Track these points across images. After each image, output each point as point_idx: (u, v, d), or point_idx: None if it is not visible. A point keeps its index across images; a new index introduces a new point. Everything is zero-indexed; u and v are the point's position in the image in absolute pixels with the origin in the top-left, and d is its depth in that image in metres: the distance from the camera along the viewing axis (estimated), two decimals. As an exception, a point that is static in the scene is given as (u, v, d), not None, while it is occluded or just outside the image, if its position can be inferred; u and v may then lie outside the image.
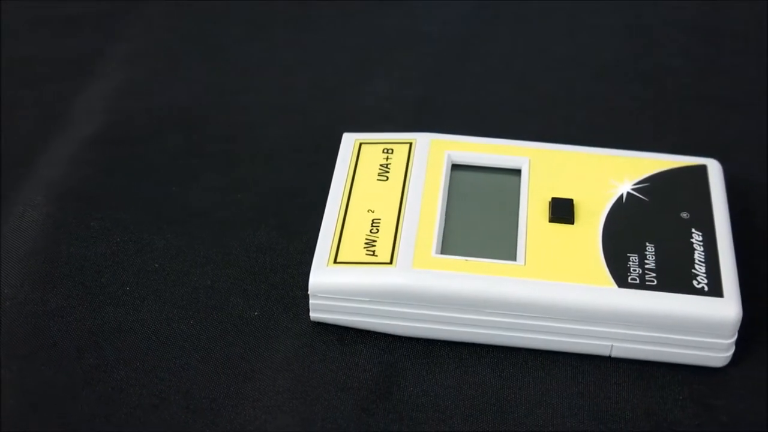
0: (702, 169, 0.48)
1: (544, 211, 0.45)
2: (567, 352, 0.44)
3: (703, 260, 0.44)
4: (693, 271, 0.43)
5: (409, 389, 0.43)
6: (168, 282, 0.46)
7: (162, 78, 0.57)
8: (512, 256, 0.44)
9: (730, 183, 0.48)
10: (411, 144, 0.48)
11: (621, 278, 0.43)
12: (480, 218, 0.46)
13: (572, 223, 0.45)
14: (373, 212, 0.45)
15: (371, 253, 0.44)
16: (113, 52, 0.58)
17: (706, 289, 0.43)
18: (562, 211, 0.45)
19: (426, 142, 0.48)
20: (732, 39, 0.60)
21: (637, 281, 0.43)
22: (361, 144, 0.49)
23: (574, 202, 0.46)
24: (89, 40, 0.59)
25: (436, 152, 0.48)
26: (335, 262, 0.44)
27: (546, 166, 0.47)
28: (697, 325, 0.42)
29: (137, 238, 0.48)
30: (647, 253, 0.44)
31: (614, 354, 0.44)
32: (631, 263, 0.44)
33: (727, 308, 0.42)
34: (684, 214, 0.46)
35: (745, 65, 0.58)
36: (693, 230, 0.45)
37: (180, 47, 0.59)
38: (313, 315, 0.44)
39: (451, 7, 0.62)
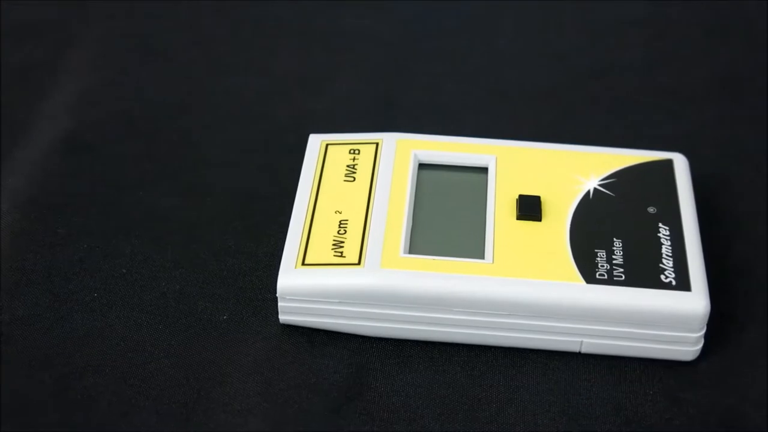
0: (668, 164, 0.48)
1: (512, 208, 0.45)
2: (537, 349, 0.44)
3: (670, 255, 0.44)
4: (660, 265, 0.44)
5: (379, 390, 0.43)
6: (136, 287, 0.46)
7: (122, 83, 0.56)
8: (480, 255, 0.44)
9: (696, 177, 0.48)
10: (377, 144, 0.48)
11: (589, 274, 0.43)
12: (447, 217, 0.46)
13: (539, 220, 0.45)
14: (340, 213, 0.45)
15: (339, 254, 0.44)
16: (72, 59, 0.58)
17: (673, 283, 0.43)
18: (529, 208, 0.45)
19: (392, 142, 0.48)
20: (693, 32, 0.60)
21: (605, 277, 0.43)
22: (327, 145, 0.49)
23: (542, 199, 0.46)
24: (48, 47, 0.58)
25: (402, 152, 0.48)
26: (303, 264, 0.44)
27: (513, 164, 0.47)
28: (665, 319, 0.43)
29: (104, 244, 0.48)
30: (615, 248, 0.44)
31: (584, 350, 0.44)
32: (598, 259, 0.44)
33: (695, 302, 0.43)
34: (651, 209, 0.46)
35: (707, 59, 0.59)
36: (660, 225, 0.45)
37: (139, 52, 0.58)
38: (282, 317, 0.44)
39: (412, 7, 0.61)
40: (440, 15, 0.61)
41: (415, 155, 0.48)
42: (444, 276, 0.43)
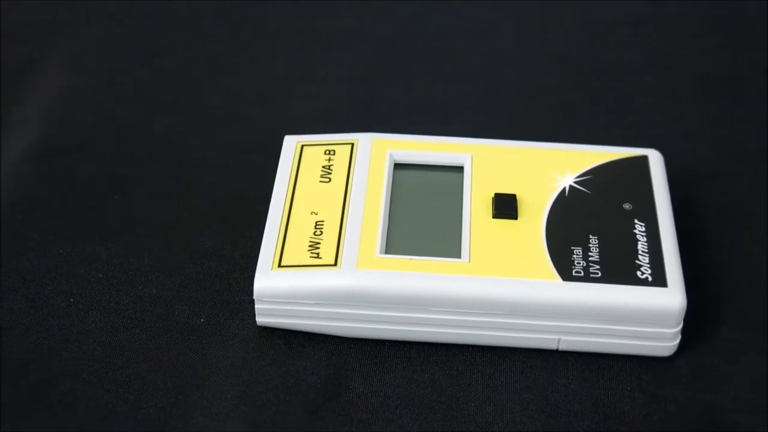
0: (643, 160, 0.48)
1: (488, 207, 0.45)
2: (515, 348, 0.44)
3: (646, 251, 0.44)
4: (637, 261, 0.44)
5: (357, 390, 0.43)
6: (113, 292, 0.46)
7: (97, 86, 0.56)
8: (457, 254, 0.44)
9: (671, 173, 0.48)
10: (353, 144, 0.48)
11: (565, 272, 0.43)
12: (424, 216, 0.46)
13: (516, 218, 0.45)
14: (316, 214, 0.45)
15: (315, 255, 0.44)
16: (46, 62, 0.57)
17: (650, 279, 0.43)
18: (505, 206, 0.45)
19: (368, 142, 0.48)
20: (662, 30, 0.60)
21: (582, 274, 0.43)
22: (302, 146, 0.48)
23: (517, 197, 0.46)
24: (21, 50, 0.58)
25: (378, 152, 0.48)
26: (280, 265, 0.44)
27: (488, 162, 0.47)
28: (642, 315, 0.43)
29: (80, 249, 0.47)
30: (591, 245, 0.44)
31: (562, 347, 0.44)
32: (575, 256, 0.44)
33: (671, 298, 0.43)
34: (626, 206, 0.46)
35: (678, 55, 0.59)
36: (636, 221, 0.45)
37: (113, 54, 0.58)
38: (260, 320, 0.44)
39: (384, 7, 0.61)
40: (413, 15, 0.61)
41: (391, 155, 0.48)
42: (420, 276, 0.43)
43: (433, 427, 0.42)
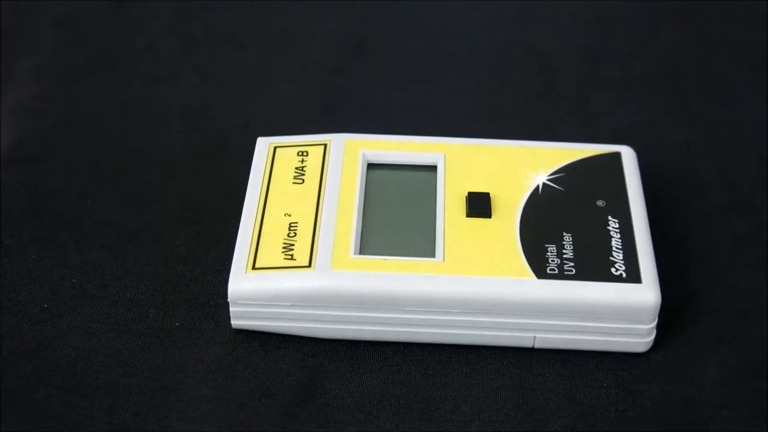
0: (616, 157, 0.48)
1: (461, 206, 0.45)
2: (491, 346, 0.44)
3: (620, 247, 0.44)
4: (611, 258, 0.44)
5: (334, 392, 0.43)
6: (86, 296, 0.46)
7: (65, 92, 0.56)
8: (431, 253, 0.44)
9: (644, 169, 0.48)
10: (326, 145, 0.48)
11: (540, 269, 0.43)
12: (397, 216, 0.46)
13: (489, 216, 0.45)
14: (290, 216, 0.45)
15: (289, 257, 0.44)
16: (12, 69, 0.57)
17: (624, 275, 0.43)
18: (478, 205, 0.45)
19: (341, 143, 0.48)
20: (643, 24, 0.61)
21: (556, 271, 0.43)
22: (275, 148, 0.48)
23: (491, 196, 0.46)
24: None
25: (351, 152, 0.48)
26: (254, 268, 0.43)
27: (461, 161, 0.47)
28: (617, 311, 0.43)
29: (53, 254, 0.47)
30: (565, 242, 0.44)
31: (537, 345, 0.44)
32: (549, 254, 0.44)
33: (645, 294, 0.43)
34: (600, 203, 0.46)
35: (654, 51, 0.59)
36: (609, 218, 0.45)
37: (80, 60, 0.58)
38: (235, 322, 0.44)
39: (353, 7, 0.61)
40: (380, 15, 0.61)
41: (364, 155, 0.48)
42: (395, 276, 0.43)
43: (410, 427, 0.42)
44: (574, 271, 0.43)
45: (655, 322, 0.43)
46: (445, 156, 0.48)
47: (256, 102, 0.55)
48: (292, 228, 0.45)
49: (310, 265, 0.43)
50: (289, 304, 0.43)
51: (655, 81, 0.57)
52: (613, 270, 0.43)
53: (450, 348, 0.44)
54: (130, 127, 0.54)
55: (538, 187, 0.46)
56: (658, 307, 0.43)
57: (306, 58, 0.58)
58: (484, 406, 0.42)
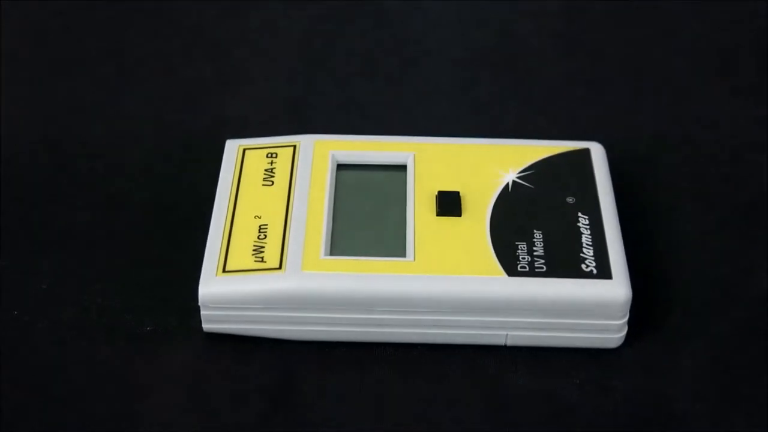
0: (585, 153, 0.48)
1: (431, 205, 0.45)
2: (463, 345, 0.44)
3: (590, 244, 0.44)
4: (581, 255, 0.44)
5: (307, 393, 0.43)
6: (57, 303, 0.45)
7: (29, 95, 0.55)
8: (401, 253, 0.44)
9: (613, 165, 0.48)
10: (295, 147, 0.48)
11: (510, 267, 0.43)
12: (368, 217, 0.46)
13: (459, 215, 0.45)
14: (260, 218, 0.45)
15: (260, 259, 0.44)
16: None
17: (594, 272, 0.43)
18: (448, 204, 0.45)
19: (310, 144, 0.48)
20: (607, 19, 0.61)
21: (527, 269, 0.43)
22: (244, 150, 0.48)
23: (461, 195, 0.46)
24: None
25: (320, 153, 0.48)
26: (224, 271, 0.43)
27: (431, 160, 0.47)
28: (588, 308, 0.43)
29: (22, 261, 0.47)
30: (535, 240, 0.44)
31: (509, 342, 0.44)
32: (519, 251, 0.44)
33: (616, 290, 0.43)
34: (570, 199, 0.46)
35: (622, 46, 0.59)
36: (579, 214, 0.45)
37: (44, 62, 0.57)
38: (206, 326, 0.44)
39: (322, 6, 0.61)
40: (347, 14, 0.61)
41: (333, 156, 0.48)
42: (366, 276, 0.43)
43: (383, 427, 0.42)
44: (544, 268, 0.43)
45: (627, 318, 0.43)
46: (414, 155, 0.47)
47: (225, 104, 0.55)
48: (262, 230, 0.45)
49: (280, 267, 0.43)
50: (260, 306, 0.43)
51: (623, 77, 0.57)
52: (583, 266, 0.43)
53: (422, 347, 0.44)
54: (97, 130, 0.53)
55: (507, 184, 0.46)
56: (629, 303, 0.43)
57: (274, 59, 0.58)
58: (458, 405, 0.42)
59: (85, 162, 0.52)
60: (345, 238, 0.44)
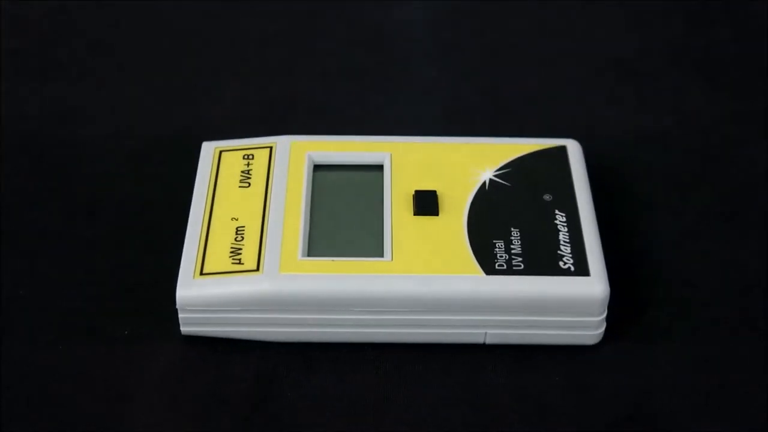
0: (562, 150, 0.48)
1: (409, 204, 0.45)
2: (442, 344, 0.44)
3: (567, 241, 0.44)
4: (559, 252, 0.44)
5: (287, 395, 0.43)
6: (34, 308, 0.45)
7: (1, 97, 0.55)
8: (379, 253, 0.44)
9: (590, 162, 0.49)
10: (271, 148, 0.48)
11: (488, 266, 0.43)
12: (345, 217, 0.45)
13: (437, 214, 0.45)
14: (237, 220, 0.45)
15: (237, 261, 0.43)
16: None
17: (572, 269, 0.43)
18: (425, 203, 0.45)
19: (286, 145, 0.48)
20: (580, 19, 0.61)
21: (504, 267, 0.43)
22: (221, 152, 0.48)
23: (438, 194, 0.46)
24: None
25: (296, 154, 0.48)
26: (202, 273, 0.43)
27: (407, 160, 0.47)
28: (566, 305, 0.43)
29: (-2, 266, 0.47)
30: (513, 238, 0.44)
31: (488, 341, 0.44)
32: (497, 250, 0.44)
33: (594, 286, 0.43)
34: (547, 197, 0.46)
35: (598, 44, 0.59)
36: (556, 212, 0.45)
37: (18, 63, 0.57)
38: (184, 329, 0.44)
39: (296, 7, 0.61)
40: (316, 15, 0.61)
41: (310, 157, 0.47)
42: (343, 277, 0.43)
43: (364, 428, 0.42)
44: (522, 266, 0.43)
45: (605, 315, 0.44)
46: (391, 155, 0.47)
47: (201, 106, 0.55)
48: (239, 232, 0.45)
49: (258, 269, 0.43)
50: (238, 308, 0.43)
51: (599, 74, 0.57)
52: (561, 264, 0.43)
53: (402, 347, 0.44)
54: (73, 133, 0.53)
55: (484, 183, 0.46)
56: (607, 300, 0.43)
57: (249, 61, 0.58)
58: (438, 404, 0.42)
59: (60, 166, 0.51)
60: (322, 239, 0.44)
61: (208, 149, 0.48)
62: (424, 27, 0.60)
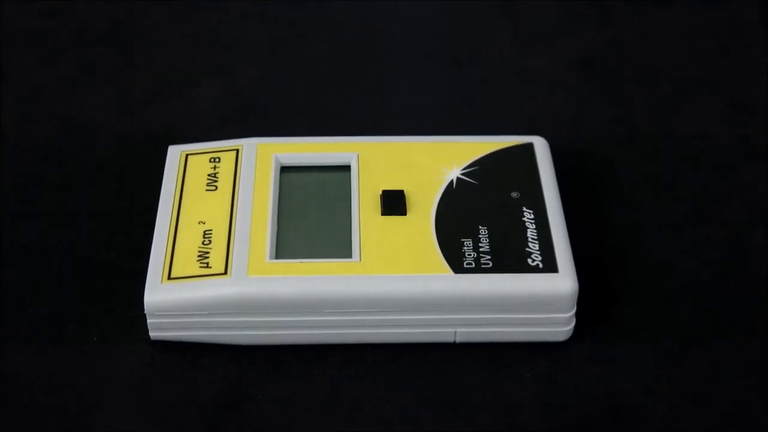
0: (528, 147, 0.48)
1: (376, 204, 0.45)
2: (412, 343, 0.44)
3: (536, 238, 0.44)
4: (527, 249, 0.44)
5: (257, 399, 0.42)
6: (3, 315, 0.45)
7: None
8: (347, 254, 0.44)
9: (557, 159, 0.49)
10: (238, 150, 0.48)
11: (456, 264, 0.43)
12: (312, 218, 0.45)
13: (405, 214, 0.45)
14: (204, 224, 0.45)
15: (205, 265, 0.43)
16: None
17: (540, 266, 0.43)
18: (393, 203, 0.45)
19: (253, 147, 0.48)
20: (550, 17, 0.61)
21: (473, 265, 0.43)
22: (187, 155, 0.48)
23: (405, 193, 0.46)
24: None
25: (263, 156, 0.47)
26: (169, 278, 0.43)
27: (375, 160, 0.47)
28: (535, 302, 0.43)
29: (-34, 274, 0.47)
30: (481, 236, 0.44)
31: (459, 339, 0.44)
32: (465, 248, 0.44)
33: (562, 283, 0.43)
34: (514, 194, 0.46)
35: (567, 40, 0.59)
36: (524, 209, 0.45)
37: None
38: (153, 334, 0.44)
39: (264, 8, 0.61)
40: (289, 16, 0.61)
41: (277, 158, 0.47)
42: (312, 278, 0.43)
43: (335, 429, 0.41)
44: (491, 264, 0.43)
45: (574, 311, 0.44)
46: (358, 155, 0.47)
47: (166, 110, 0.55)
48: (206, 236, 0.44)
49: (226, 273, 0.43)
50: (206, 312, 0.43)
51: (568, 70, 0.57)
52: (529, 261, 0.43)
53: (372, 347, 0.44)
54: (38, 138, 0.53)
55: (452, 181, 0.46)
56: (576, 296, 0.43)
57: (215, 63, 0.58)
58: (409, 404, 0.42)
59: (27, 170, 0.51)
60: (290, 241, 0.44)
61: (175, 153, 0.48)
62: (392, 27, 0.60)
